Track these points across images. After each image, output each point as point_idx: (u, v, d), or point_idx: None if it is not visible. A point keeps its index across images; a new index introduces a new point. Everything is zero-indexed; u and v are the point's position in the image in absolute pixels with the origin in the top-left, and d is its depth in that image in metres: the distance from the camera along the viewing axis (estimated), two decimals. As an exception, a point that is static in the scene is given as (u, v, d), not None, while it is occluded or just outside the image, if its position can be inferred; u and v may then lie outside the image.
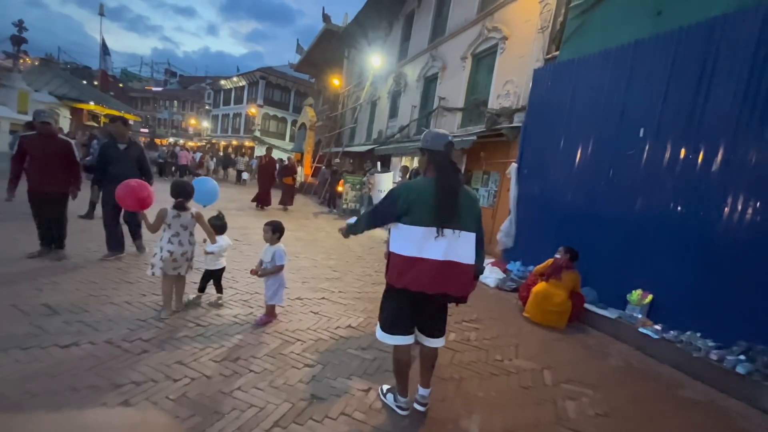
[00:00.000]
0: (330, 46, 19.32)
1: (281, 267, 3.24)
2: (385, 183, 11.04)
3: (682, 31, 4.07)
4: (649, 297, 3.94)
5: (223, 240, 3.52)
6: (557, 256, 4.44)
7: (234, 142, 36.43)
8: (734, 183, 3.51)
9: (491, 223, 7.22)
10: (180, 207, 3.11)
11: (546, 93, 5.80)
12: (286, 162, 12.27)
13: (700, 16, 3.96)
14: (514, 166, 6.14)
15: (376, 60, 13.13)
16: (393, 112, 13.36)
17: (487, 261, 6.36)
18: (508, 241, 6.10)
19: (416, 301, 2.15)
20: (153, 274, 3.07)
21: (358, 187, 11.58)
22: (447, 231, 2.05)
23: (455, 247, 2.08)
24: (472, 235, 2.16)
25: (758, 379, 2.96)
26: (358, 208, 11.64)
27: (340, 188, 12.06)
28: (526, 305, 4.44)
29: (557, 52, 6.11)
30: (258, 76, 33.22)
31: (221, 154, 26.93)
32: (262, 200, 10.18)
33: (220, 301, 3.55)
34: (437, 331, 2.31)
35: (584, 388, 2.94)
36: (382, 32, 14.72)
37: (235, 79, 36.80)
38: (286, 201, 10.81)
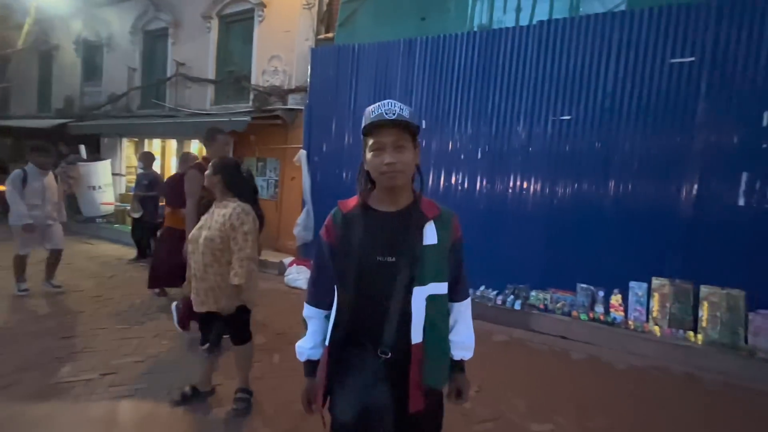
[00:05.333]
0: None
1: None
2: (101, 176, 7.72)
3: (441, 38, 4.83)
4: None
5: None
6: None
7: None
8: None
9: (277, 217, 6.47)
10: None
11: (328, 75, 5.56)
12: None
13: (456, 29, 4.81)
14: (303, 153, 5.62)
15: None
16: (92, 73, 9.32)
17: (287, 259, 5.66)
18: (307, 235, 5.64)
19: None
20: None
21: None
22: None
23: None
24: None
25: (527, 311, 4.10)
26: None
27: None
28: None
29: (330, 34, 5.94)
30: None
31: None
32: (166, 278, 3.91)
33: None
34: None
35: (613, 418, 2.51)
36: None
37: None
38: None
